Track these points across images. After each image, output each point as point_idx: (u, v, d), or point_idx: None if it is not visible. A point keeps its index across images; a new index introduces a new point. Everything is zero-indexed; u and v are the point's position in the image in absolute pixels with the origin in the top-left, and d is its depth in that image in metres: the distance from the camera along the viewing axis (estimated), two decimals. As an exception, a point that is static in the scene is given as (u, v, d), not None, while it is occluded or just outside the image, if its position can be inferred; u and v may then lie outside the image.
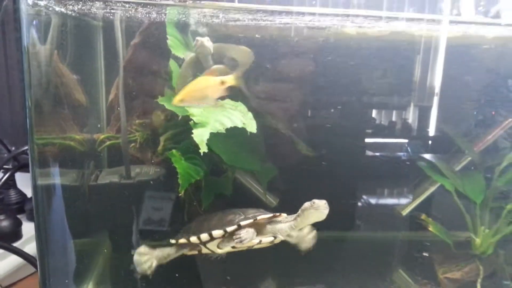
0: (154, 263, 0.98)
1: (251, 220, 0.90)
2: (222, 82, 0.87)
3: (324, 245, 1.31)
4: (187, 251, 0.99)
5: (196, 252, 1.00)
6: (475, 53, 1.10)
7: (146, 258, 0.98)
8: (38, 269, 1.01)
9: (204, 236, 0.92)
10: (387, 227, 1.38)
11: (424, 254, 1.19)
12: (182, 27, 1.06)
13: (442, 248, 1.18)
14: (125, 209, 1.06)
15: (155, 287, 1.07)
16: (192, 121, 0.88)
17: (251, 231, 0.89)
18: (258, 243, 0.92)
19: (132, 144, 1.14)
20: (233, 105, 0.98)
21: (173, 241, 0.98)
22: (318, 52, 1.06)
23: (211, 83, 0.86)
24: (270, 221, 0.93)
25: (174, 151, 0.97)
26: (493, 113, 1.19)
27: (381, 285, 1.15)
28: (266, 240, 0.92)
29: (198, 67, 1.02)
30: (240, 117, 0.94)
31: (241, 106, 0.98)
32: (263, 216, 0.92)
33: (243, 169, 1.13)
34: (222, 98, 1.00)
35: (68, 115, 1.15)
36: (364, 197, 1.30)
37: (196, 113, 0.89)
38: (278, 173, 1.24)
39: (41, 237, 1.00)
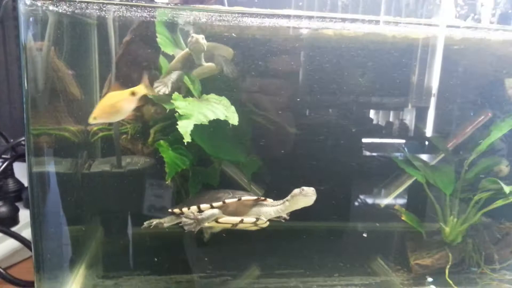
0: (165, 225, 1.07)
1: (235, 199, 0.96)
2: (133, 93, 0.88)
3: (308, 235, 1.39)
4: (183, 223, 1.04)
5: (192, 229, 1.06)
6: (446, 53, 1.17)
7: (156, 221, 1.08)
8: (33, 252, 1.07)
9: (194, 208, 0.99)
10: (367, 217, 1.46)
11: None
12: (172, 25, 1.13)
13: (415, 237, 1.25)
14: (116, 196, 1.12)
15: (143, 269, 1.14)
16: (177, 113, 0.94)
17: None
18: (240, 222, 0.97)
19: (124, 136, 1.22)
20: (217, 99, 1.05)
21: (170, 210, 1.06)
22: (297, 51, 1.13)
23: (122, 97, 0.87)
24: (256, 203, 0.99)
25: (161, 141, 1.04)
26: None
27: (361, 273, 1.21)
28: (248, 220, 0.97)
29: (188, 64, 1.09)
30: (223, 110, 1.00)
31: (224, 100, 1.05)
32: (248, 197, 0.98)
33: (227, 160, 1.18)
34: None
35: (63, 108, 1.22)
36: (347, 190, 1.37)
37: (181, 106, 0.95)
38: (264, 166, 1.31)
39: (36, 222, 1.06)
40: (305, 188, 0.92)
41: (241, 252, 1.28)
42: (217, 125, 1.01)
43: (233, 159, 1.20)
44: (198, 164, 1.23)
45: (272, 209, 0.98)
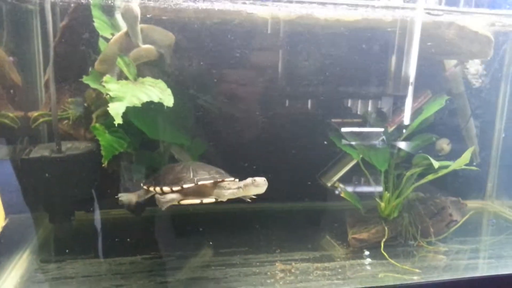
0: (134, 200, 1.11)
1: (192, 184, 0.99)
2: None
3: (261, 216, 1.43)
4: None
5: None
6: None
7: (127, 198, 1.11)
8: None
9: (158, 189, 1.01)
10: (316, 197, 1.51)
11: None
12: (109, 9, 1.13)
13: (355, 213, 1.30)
14: (56, 181, 1.12)
15: (87, 252, 1.15)
16: (108, 96, 0.95)
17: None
18: (199, 203, 1.00)
19: (66, 121, 1.22)
20: (153, 82, 1.06)
21: (142, 184, 1.09)
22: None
23: None
24: (217, 185, 1.01)
25: (97, 124, 1.05)
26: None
27: (301, 248, 1.26)
28: (208, 200, 1.00)
29: (124, 46, 1.09)
30: (157, 93, 1.02)
31: (161, 84, 1.06)
32: (204, 182, 1.00)
33: (170, 142, 1.20)
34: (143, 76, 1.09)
35: (2, 95, 1.21)
36: (296, 171, 1.41)
37: (112, 88, 0.96)
38: (212, 149, 1.34)
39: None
40: (256, 178, 0.95)
41: (186, 233, 1.32)
42: (160, 108, 1.02)
43: (176, 141, 1.21)
44: (143, 148, 1.25)
45: (229, 192, 1.01)
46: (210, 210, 1.36)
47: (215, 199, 1.01)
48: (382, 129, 1.31)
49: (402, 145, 1.26)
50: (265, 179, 0.95)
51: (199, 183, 0.99)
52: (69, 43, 1.16)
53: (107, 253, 1.17)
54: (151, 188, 1.04)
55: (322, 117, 1.35)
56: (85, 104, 1.20)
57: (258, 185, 0.95)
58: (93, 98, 1.19)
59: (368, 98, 1.39)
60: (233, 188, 1.00)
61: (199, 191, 1.01)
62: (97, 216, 1.28)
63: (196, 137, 1.29)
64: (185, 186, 0.98)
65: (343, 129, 1.29)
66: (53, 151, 1.13)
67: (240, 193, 1.00)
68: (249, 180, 0.96)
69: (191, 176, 1.01)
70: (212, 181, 1.00)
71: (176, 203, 1.01)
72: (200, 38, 1.18)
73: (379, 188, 1.29)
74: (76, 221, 1.26)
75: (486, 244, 1.37)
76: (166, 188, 0.99)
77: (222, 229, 1.36)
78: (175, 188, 0.98)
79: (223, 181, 1.01)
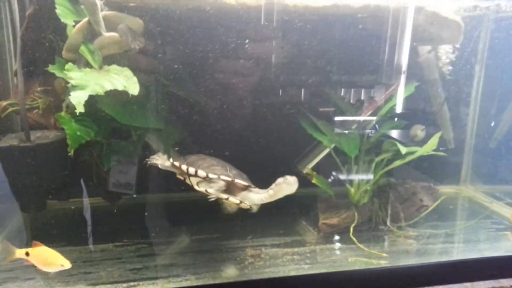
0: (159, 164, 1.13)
1: (229, 179, 1.02)
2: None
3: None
4: (178, 174, 1.12)
5: (182, 178, 1.12)
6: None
7: (160, 161, 1.13)
8: None
9: (191, 170, 1.04)
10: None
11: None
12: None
13: (326, 199, 1.32)
14: (25, 171, 1.12)
15: (59, 240, 1.16)
16: (70, 84, 0.95)
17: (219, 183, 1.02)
18: (226, 199, 1.03)
19: (35, 111, 1.21)
20: (118, 70, 1.05)
21: (171, 159, 1.12)
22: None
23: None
24: (246, 188, 1.03)
25: (62, 113, 1.04)
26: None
27: (273, 234, 1.27)
28: (233, 200, 1.02)
29: (88, 34, 1.08)
30: (122, 81, 1.01)
31: (127, 71, 1.06)
32: (240, 181, 1.03)
33: (139, 127, 1.20)
34: (109, 63, 1.09)
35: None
36: (270, 158, 1.41)
37: (75, 76, 0.96)
38: (187, 136, 1.34)
39: None
40: (288, 176, 0.95)
41: (160, 221, 1.33)
42: (132, 96, 1.02)
43: (150, 125, 1.21)
44: (115, 137, 1.25)
45: (256, 196, 1.02)
46: (184, 198, 1.37)
47: (240, 201, 1.03)
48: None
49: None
50: (296, 178, 0.95)
51: (236, 180, 1.02)
52: (36, 32, 1.15)
53: (79, 241, 1.18)
54: (183, 167, 1.06)
55: (294, 105, 1.36)
56: (56, 93, 1.20)
57: (290, 183, 0.95)
58: (63, 87, 1.18)
59: (345, 87, 1.39)
60: (262, 193, 1.01)
61: (227, 189, 1.03)
62: (70, 204, 1.29)
63: (168, 124, 1.29)
64: (222, 177, 1.01)
65: (316, 118, 1.29)
66: (22, 140, 1.13)
67: (268, 199, 1.00)
68: (280, 179, 0.96)
69: (227, 172, 1.04)
70: (246, 183, 1.03)
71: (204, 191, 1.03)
72: (171, 24, 1.17)
73: (352, 175, 1.30)
74: (49, 210, 1.26)
75: (458, 229, 1.39)
76: (201, 172, 1.02)
77: (196, 217, 1.36)
78: (211, 175, 1.01)
79: (254, 187, 1.04)
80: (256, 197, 1.02)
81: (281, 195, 0.99)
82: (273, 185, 0.98)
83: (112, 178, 1.24)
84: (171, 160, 1.11)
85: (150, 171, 1.34)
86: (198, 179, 1.06)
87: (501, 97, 1.60)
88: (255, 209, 1.08)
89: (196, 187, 1.07)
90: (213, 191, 1.02)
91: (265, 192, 1.01)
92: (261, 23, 1.17)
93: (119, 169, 1.24)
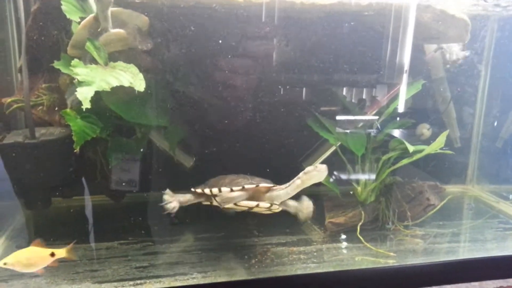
0: (177, 205, 1.09)
1: (254, 185, 1.01)
2: (52, 254, 0.92)
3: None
4: (203, 200, 1.11)
5: (208, 203, 1.11)
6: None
7: (172, 200, 1.09)
8: None
9: (215, 190, 1.03)
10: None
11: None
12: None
13: (333, 197, 1.31)
14: (30, 168, 1.12)
15: (63, 238, 1.15)
16: (76, 80, 0.94)
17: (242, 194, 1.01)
18: (256, 206, 1.03)
19: (40, 107, 1.21)
20: (124, 66, 1.05)
21: (192, 189, 1.10)
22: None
23: (41, 255, 0.90)
24: (269, 190, 1.03)
25: (68, 110, 1.04)
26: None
27: (280, 233, 1.26)
28: (263, 205, 1.02)
29: (94, 30, 1.08)
30: (128, 78, 1.01)
31: (132, 68, 1.05)
32: (264, 184, 1.03)
33: (144, 124, 1.19)
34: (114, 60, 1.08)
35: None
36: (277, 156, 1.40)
37: (81, 72, 0.95)
38: (192, 135, 1.33)
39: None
40: (318, 164, 0.97)
41: (165, 219, 1.31)
42: (138, 92, 1.02)
43: (153, 123, 1.21)
44: (120, 135, 1.25)
45: (283, 192, 1.03)
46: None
47: (270, 203, 1.03)
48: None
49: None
50: (326, 166, 0.96)
51: (261, 184, 1.02)
52: (41, 28, 1.15)
53: (84, 238, 1.17)
54: (206, 190, 1.05)
55: (301, 104, 1.35)
56: (60, 90, 1.20)
57: (320, 170, 0.96)
58: (67, 83, 1.18)
59: (350, 86, 1.38)
60: (285, 188, 1.02)
61: (252, 196, 1.04)
62: (75, 202, 1.28)
63: (173, 122, 1.29)
64: (246, 186, 1.01)
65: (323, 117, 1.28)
66: (26, 137, 1.12)
67: (295, 189, 1.01)
68: (310, 167, 0.97)
69: (250, 181, 1.04)
70: (270, 185, 1.03)
71: (232, 205, 1.03)
72: (177, 21, 1.17)
73: (358, 173, 1.29)
74: (53, 208, 1.25)
75: (464, 228, 1.38)
76: (224, 189, 1.01)
77: (201, 216, 1.35)
78: (235, 188, 1.01)
79: (276, 186, 1.04)
80: (282, 193, 1.02)
81: (309, 183, 1.00)
82: (300, 174, 0.99)
83: (114, 176, 1.23)
84: (192, 189, 1.10)
85: (152, 168, 1.34)
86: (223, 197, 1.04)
87: (508, 96, 1.60)
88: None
89: (223, 205, 1.05)
90: (236, 194, 1.01)
91: (290, 184, 1.01)
92: (266, 21, 1.16)
93: (121, 167, 1.23)
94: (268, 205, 1.02)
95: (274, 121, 1.32)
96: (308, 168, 0.97)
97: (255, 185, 1.02)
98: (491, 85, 1.56)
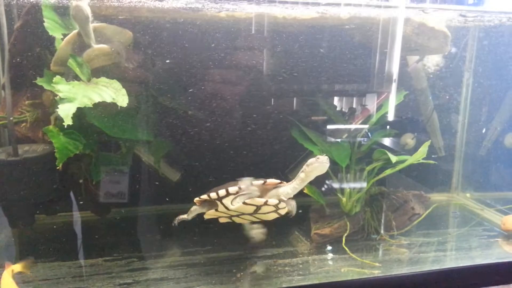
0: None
1: (261, 182, 1.00)
2: (13, 270, 0.95)
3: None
4: (207, 209, 1.08)
5: (213, 210, 1.08)
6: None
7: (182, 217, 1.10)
8: None
9: (222, 192, 1.01)
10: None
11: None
12: (63, 9, 1.11)
13: (318, 209, 1.31)
14: (14, 185, 1.11)
15: (48, 256, 1.15)
16: (58, 97, 0.94)
17: (253, 188, 0.99)
18: (264, 203, 1.00)
19: (23, 124, 1.20)
20: (107, 82, 1.05)
21: (196, 199, 1.08)
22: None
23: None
24: (275, 186, 1.02)
25: (50, 126, 1.04)
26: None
27: (266, 245, 1.26)
28: (272, 202, 1.00)
29: (78, 46, 1.08)
30: (110, 93, 1.01)
31: (115, 84, 1.05)
32: (272, 180, 1.01)
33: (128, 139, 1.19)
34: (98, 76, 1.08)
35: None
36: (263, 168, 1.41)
37: (63, 89, 0.95)
38: (177, 148, 1.33)
39: None
40: (319, 156, 0.96)
41: (150, 234, 1.31)
42: (121, 108, 1.02)
43: (138, 138, 1.21)
44: (104, 150, 1.24)
45: (289, 187, 1.01)
46: (175, 211, 1.35)
47: (278, 201, 1.01)
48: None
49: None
50: (328, 157, 0.95)
51: (268, 181, 1.01)
52: (24, 45, 1.15)
53: (69, 256, 1.16)
54: (212, 194, 1.02)
55: (286, 115, 1.36)
56: (44, 106, 1.19)
57: (322, 161, 0.95)
58: (51, 100, 1.18)
59: (332, 96, 1.40)
60: (291, 183, 1.01)
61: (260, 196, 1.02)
62: (59, 219, 1.27)
63: (158, 136, 1.29)
64: (254, 182, 0.99)
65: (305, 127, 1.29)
66: (9, 154, 1.11)
67: (301, 184, 1.00)
68: (312, 159, 0.97)
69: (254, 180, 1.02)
70: (278, 181, 1.02)
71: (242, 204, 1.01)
72: (160, 36, 1.18)
73: (343, 184, 1.30)
74: (37, 225, 1.24)
75: (450, 236, 1.39)
76: (232, 189, 0.99)
77: (187, 229, 1.35)
78: (243, 186, 0.99)
79: (282, 182, 1.03)
80: (288, 188, 1.01)
81: (312, 176, 0.99)
82: (304, 167, 0.99)
83: (103, 189, 1.23)
84: (196, 198, 1.08)
85: (140, 182, 1.33)
86: (231, 198, 1.02)
87: (490, 104, 1.62)
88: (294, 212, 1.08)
89: (231, 206, 1.03)
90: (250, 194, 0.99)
91: (295, 180, 1.01)
92: (250, 34, 1.17)
93: (110, 180, 1.23)
94: (277, 201, 1.00)
95: (260, 132, 1.33)
96: (310, 160, 0.97)
97: (263, 181, 1.01)
98: (474, 94, 1.59)
